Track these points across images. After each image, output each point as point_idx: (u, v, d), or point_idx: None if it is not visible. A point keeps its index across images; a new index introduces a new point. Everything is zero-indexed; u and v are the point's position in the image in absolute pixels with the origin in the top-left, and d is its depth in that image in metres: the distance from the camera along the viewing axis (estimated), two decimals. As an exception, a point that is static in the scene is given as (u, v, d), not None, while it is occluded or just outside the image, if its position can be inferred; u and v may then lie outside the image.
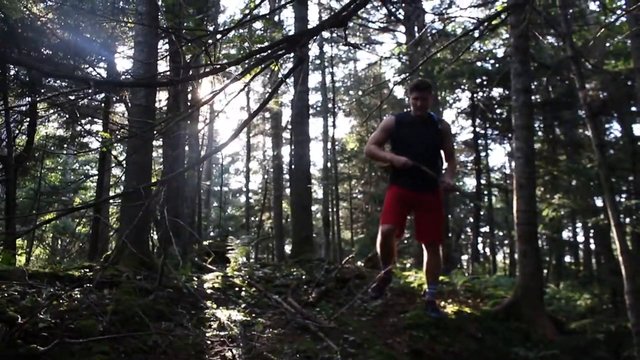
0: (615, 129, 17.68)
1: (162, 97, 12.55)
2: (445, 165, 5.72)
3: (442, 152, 5.63)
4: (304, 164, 12.22)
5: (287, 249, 20.39)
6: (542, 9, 10.41)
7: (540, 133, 18.09)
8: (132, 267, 5.91)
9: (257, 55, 3.14)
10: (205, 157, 11.55)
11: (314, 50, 21.50)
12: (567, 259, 19.48)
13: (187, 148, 12.75)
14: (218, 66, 3.27)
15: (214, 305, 5.06)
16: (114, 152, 13.57)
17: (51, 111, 11.61)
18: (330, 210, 22.38)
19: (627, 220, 13.83)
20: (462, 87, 15.84)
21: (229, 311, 3.90)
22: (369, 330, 5.72)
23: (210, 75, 3.60)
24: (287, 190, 22.81)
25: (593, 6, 14.83)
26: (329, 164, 22.33)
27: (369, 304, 6.31)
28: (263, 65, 3.14)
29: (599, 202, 13.51)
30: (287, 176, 22.35)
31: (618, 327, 6.83)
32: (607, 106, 8.72)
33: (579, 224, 19.40)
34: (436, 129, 5.54)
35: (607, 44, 12.81)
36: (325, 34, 20.52)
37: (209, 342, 3.93)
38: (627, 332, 6.08)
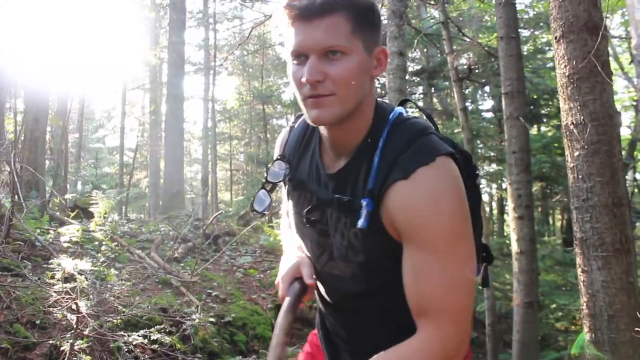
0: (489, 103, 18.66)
1: None
2: None
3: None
4: (178, 118, 11.90)
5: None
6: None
7: (421, 103, 18.78)
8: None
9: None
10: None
11: (197, 4, 20.77)
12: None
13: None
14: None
15: (70, 258, 4.75)
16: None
17: None
18: (209, 170, 21.95)
19: (494, 186, 14.81)
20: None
21: (75, 260, 3.67)
22: (234, 286, 5.69)
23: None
24: (165, 149, 22.09)
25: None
26: (209, 124, 21.80)
27: (237, 260, 6.28)
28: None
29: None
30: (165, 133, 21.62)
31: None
32: (472, 71, 9.08)
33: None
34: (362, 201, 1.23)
35: (483, 19, 13.42)
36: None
37: (54, 294, 3.67)
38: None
